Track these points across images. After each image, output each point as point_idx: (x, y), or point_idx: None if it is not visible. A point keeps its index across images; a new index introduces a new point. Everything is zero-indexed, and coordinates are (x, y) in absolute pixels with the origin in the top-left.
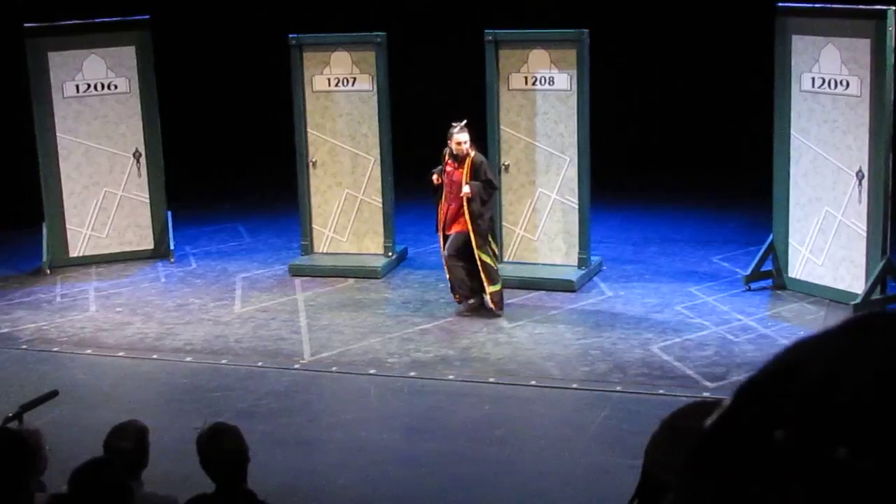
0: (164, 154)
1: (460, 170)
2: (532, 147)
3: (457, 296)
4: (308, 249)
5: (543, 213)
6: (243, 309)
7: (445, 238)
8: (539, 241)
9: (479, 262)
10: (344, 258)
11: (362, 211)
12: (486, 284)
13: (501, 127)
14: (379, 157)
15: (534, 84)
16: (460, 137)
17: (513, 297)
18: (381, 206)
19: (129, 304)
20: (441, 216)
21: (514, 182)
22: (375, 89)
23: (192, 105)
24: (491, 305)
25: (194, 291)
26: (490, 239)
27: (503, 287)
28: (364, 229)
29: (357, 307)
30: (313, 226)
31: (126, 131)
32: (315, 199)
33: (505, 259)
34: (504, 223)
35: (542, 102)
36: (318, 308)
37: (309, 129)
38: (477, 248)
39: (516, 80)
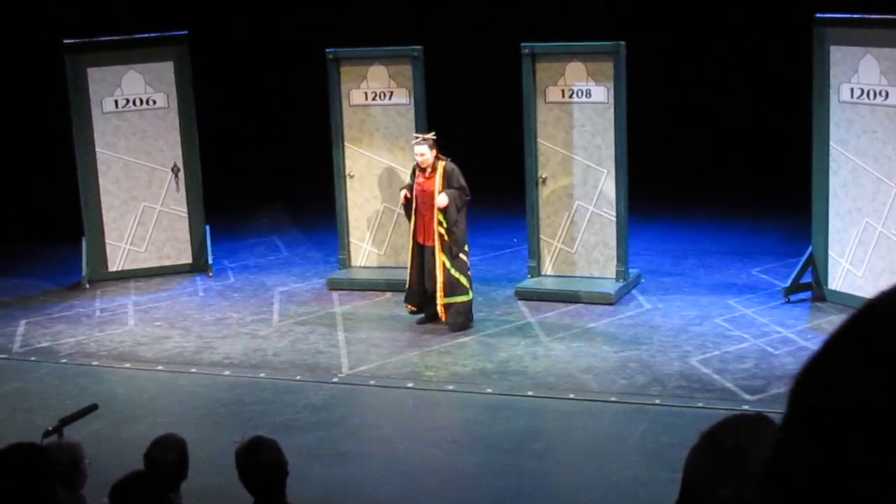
0: (202, 168)
1: (431, 180)
2: (569, 160)
3: (409, 304)
4: (345, 263)
5: (581, 225)
6: (281, 322)
7: (420, 248)
8: (577, 253)
9: (440, 272)
10: (382, 271)
11: (400, 223)
12: (440, 295)
13: (538, 140)
14: None
15: (571, 97)
16: (417, 149)
17: (551, 311)
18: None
19: (168, 318)
20: (414, 226)
21: (552, 195)
22: (412, 103)
23: (229, 119)
24: (441, 317)
25: (232, 305)
26: (464, 248)
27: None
28: (401, 242)
29: (395, 320)
30: (350, 239)
31: (164, 146)
32: (352, 213)
33: (543, 272)
34: (542, 236)
35: (578, 115)
36: (356, 321)
37: (346, 143)
38: (447, 258)
39: (553, 93)
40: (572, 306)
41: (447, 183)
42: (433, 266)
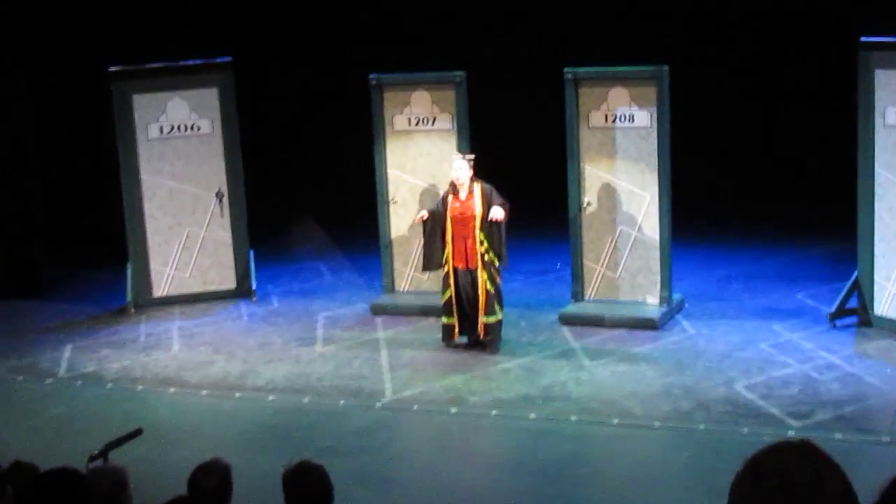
0: (246, 193)
1: (469, 202)
2: (612, 184)
3: (454, 333)
4: (389, 288)
5: (624, 250)
6: (325, 348)
7: (455, 273)
8: (620, 278)
9: (482, 291)
10: (425, 297)
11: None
12: (481, 314)
13: (582, 165)
14: None
15: (614, 121)
16: (456, 165)
17: (594, 336)
18: None
19: (212, 343)
20: (451, 252)
21: (595, 220)
22: (455, 128)
23: (273, 144)
24: (482, 337)
25: (276, 330)
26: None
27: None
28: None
29: (438, 345)
30: (394, 265)
31: (209, 171)
32: (396, 238)
33: (586, 297)
34: (585, 261)
35: (622, 140)
36: (400, 346)
37: (389, 168)
38: (488, 277)
39: (596, 118)
40: (616, 331)
41: (488, 201)
42: (474, 287)
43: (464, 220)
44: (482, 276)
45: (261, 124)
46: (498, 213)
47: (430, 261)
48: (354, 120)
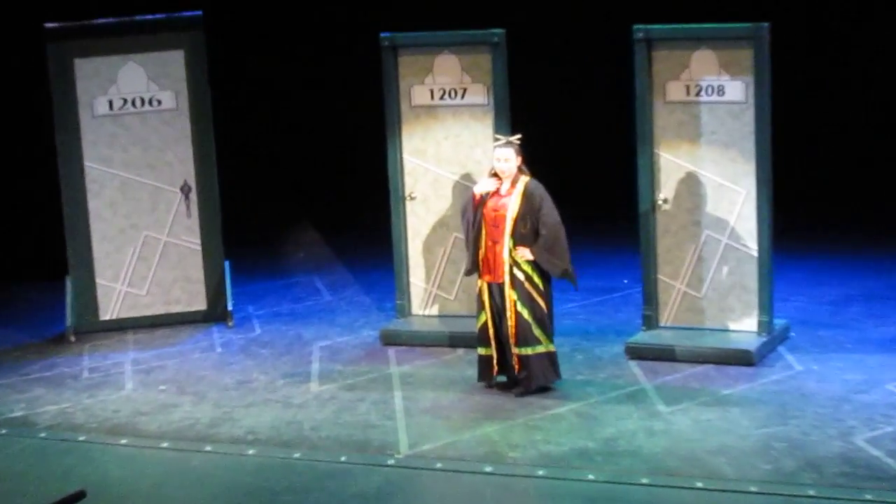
0: (220, 188)
1: (507, 198)
2: (696, 177)
3: (492, 369)
4: (405, 310)
5: (711, 262)
6: (322, 387)
7: (489, 288)
8: (706, 299)
9: (511, 315)
10: (454, 321)
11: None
12: (513, 344)
13: (656, 151)
14: None
15: (698, 95)
16: (500, 154)
17: (672, 373)
18: None
19: (176, 381)
20: (482, 257)
21: (673, 222)
22: (492, 103)
23: (256, 124)
24: (517, 372)
25: (259, 364)
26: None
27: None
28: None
29: (468, 385)
30: (411, 279)
31: (173, 159)
32: (414, 245)
33: (661, 323)
34: (660, 276)
35: (708, 119)
36: (419, 386)
37: (406, 155)
38: (518, 297)
39: (675, 90)
40: (700, 367)
41: (528, 205)
42: (506, 308)
43: (495, 221)
44: (510, 295)
45: (240, 98)
46: (525, 253)
47: (471, 260)
48: (361, 93)
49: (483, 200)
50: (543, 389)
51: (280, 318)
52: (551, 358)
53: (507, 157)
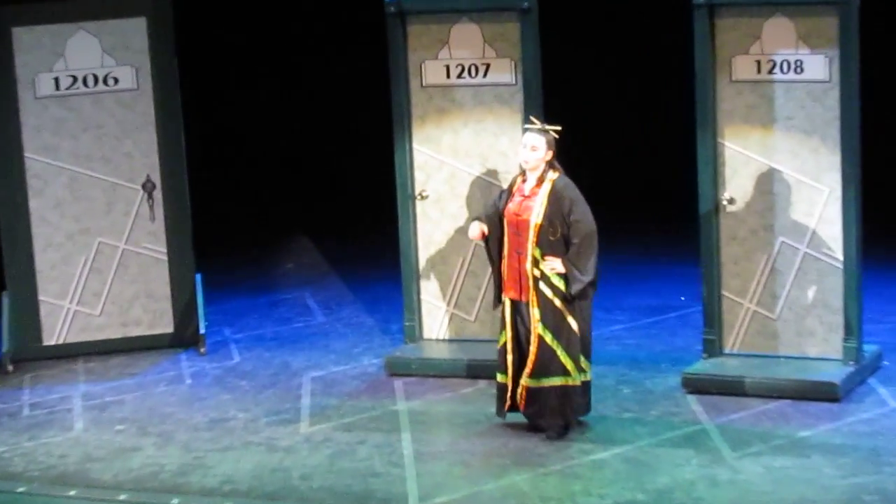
0: (190, 185)
1: (531, 199)
2: (768, 171)
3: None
4: (414, 333)
5: (787, 276)
6: (314, 427)
7: (515, 308)
8: (781, 319)
9: (534, 341)
10: (473, 347)
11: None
12: (525, 373)
13: (720, 140)
14: None
15: (771, 72)
16: (528, 141)
17: (739, 410)
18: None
19: (137, 420)
20: (505, 272)
21: (741, 226)
22: (520, 82)
23: (235, 108)
24: (521, 408)
25: (238, 399)
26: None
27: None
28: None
29: (491, 424)
30: (422, 296)
31: (132, 150)
32: (425, 254)
33: (726, 349)
34: (724, 291)
35: (784, 101)
36: (432, 425)
37: (416, 145)
38: (541, 319)
39: (743, 66)
40: (774, 403)
41: (556, 208)
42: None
43: (517, 226)
44: (534, 315)
45: (215, 77)
46: (555, 265)
47: (497, 285)
48: (363, 70)
49: (505, 201)
50: (565, 429)
51: (263, 344)
52: (572, 393)
53: (536, 146)
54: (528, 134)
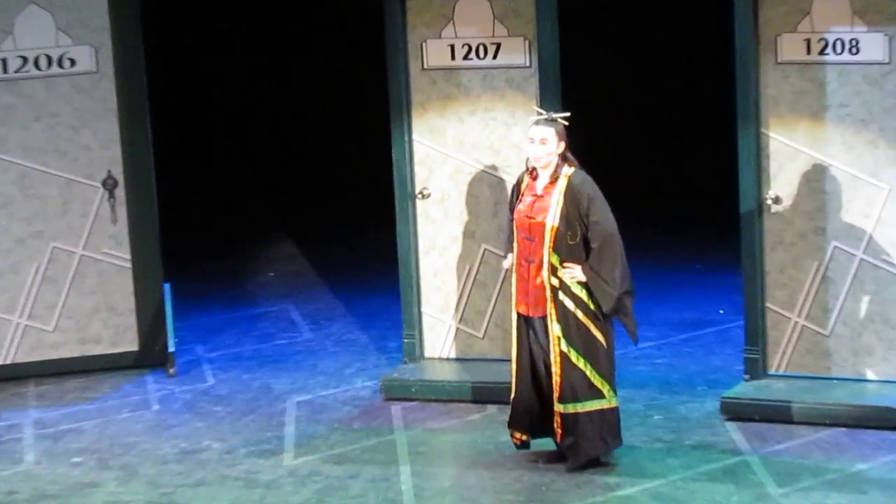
0: (158, 182)
1: (545, 199)
2: (819, 166)
3: (516, 434)
4: (415, 351)
5: (842, 285)
6: (299, 459)
7: (526, 325)
8: (834, 336)
9: (556, 361)
10: (480, 368)
11: (508, 278)
12: (556, 399)
13: (764, 130)
14: None
15: (822, 52)
16: (534, 134)
17: (785, 440)
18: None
19: (97, 451)
20: (519, 286)
21: (788, 229)
22: (535, 64)
23: (209, 93)
24: (558, 439)
25: (212, 428)
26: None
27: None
28: (509, 308)
29: (502, 456)
30: (424, 309)
31: (91, 141)
32: (427, 261)
33: (770, 369)
34: (768, 304)
35: (836, 86)
36: (434, 457)
37: (416, 137)
38: (563, 335)
39: (791, 46)
40: (825, 432)
41: (573, 207)
42: (548, 351)
43: (529, 230)
44: (553, 330)
45: (187, 59)
46: (575, 273)
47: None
48: (357, 51)
49: (513, 201)
50: (596, 462)
51: (241, 364)
52: (610, 417)
53: (545, 138)
54: (534, 127)
